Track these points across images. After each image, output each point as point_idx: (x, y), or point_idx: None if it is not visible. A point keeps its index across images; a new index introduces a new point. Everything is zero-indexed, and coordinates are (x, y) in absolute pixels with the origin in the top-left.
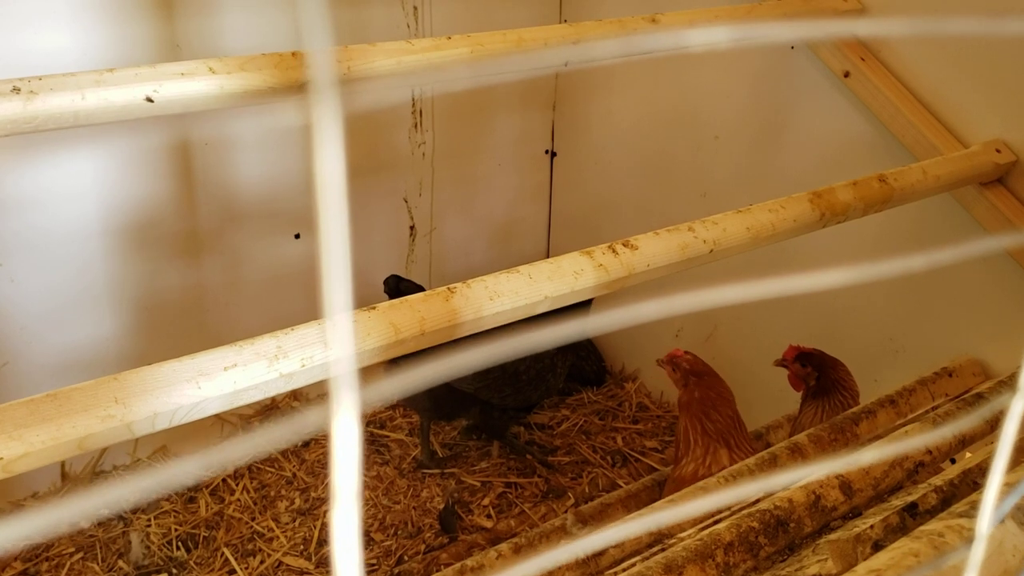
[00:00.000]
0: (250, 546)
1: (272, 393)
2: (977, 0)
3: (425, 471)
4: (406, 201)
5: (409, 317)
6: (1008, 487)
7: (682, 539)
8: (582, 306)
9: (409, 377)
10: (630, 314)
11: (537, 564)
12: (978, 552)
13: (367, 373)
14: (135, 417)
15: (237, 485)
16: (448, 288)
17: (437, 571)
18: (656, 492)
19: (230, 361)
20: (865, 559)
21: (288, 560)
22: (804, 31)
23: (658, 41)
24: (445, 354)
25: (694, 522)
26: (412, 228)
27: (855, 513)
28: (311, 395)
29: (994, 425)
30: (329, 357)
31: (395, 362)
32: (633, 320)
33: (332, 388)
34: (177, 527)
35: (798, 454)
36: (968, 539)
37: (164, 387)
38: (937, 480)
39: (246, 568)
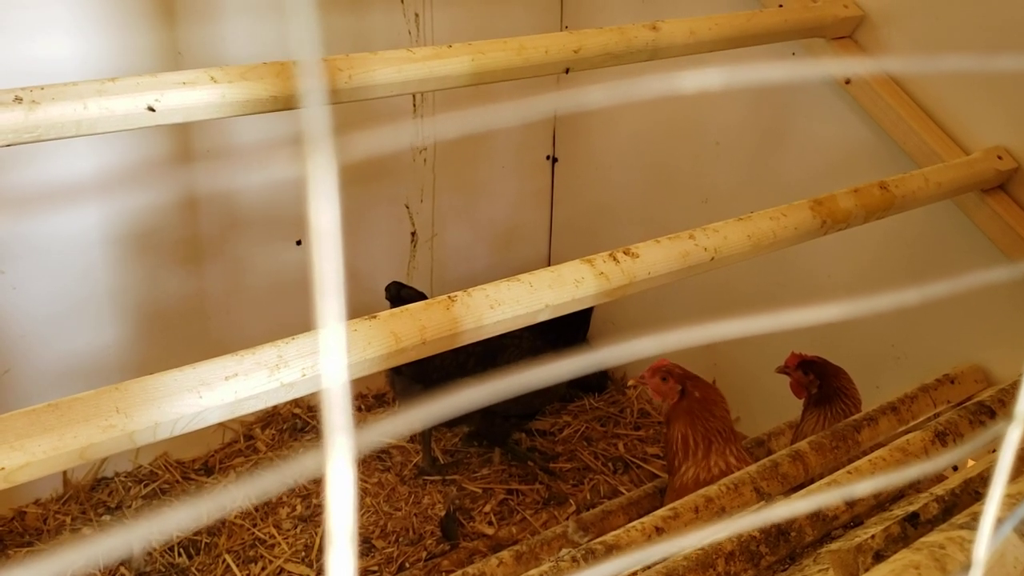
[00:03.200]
0: (251, 552)
1: (273, 403)
2: (976, 6)
3: (426, 478)
4: (407, 207)
5: (410, 326)
6: (1010, 499)
7: (683, 548)
8: (582, 314)
9: (418, 413)
10: (633, 349)
11: None
12: None
13: (370, 380)
14: (136, 427)
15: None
16: (449, 297)
17: None
18: (658, 499)
19: (231, 371)
20: (866, 569)
21: (289, 567)
22: (802, 70)
23: (653, 84)
24: (452, 390)
25: (695, 531)
26: (413, 234)
27: (856, 522)
28: (313, 403)
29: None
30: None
31: (397, 370)
32: (637, 355)
33: (325, 430)
34: (179, 533)
35: (799, 461)
36: (968, 552)
37: (165, 397)
38: (939, 489)
39: (247, 575)
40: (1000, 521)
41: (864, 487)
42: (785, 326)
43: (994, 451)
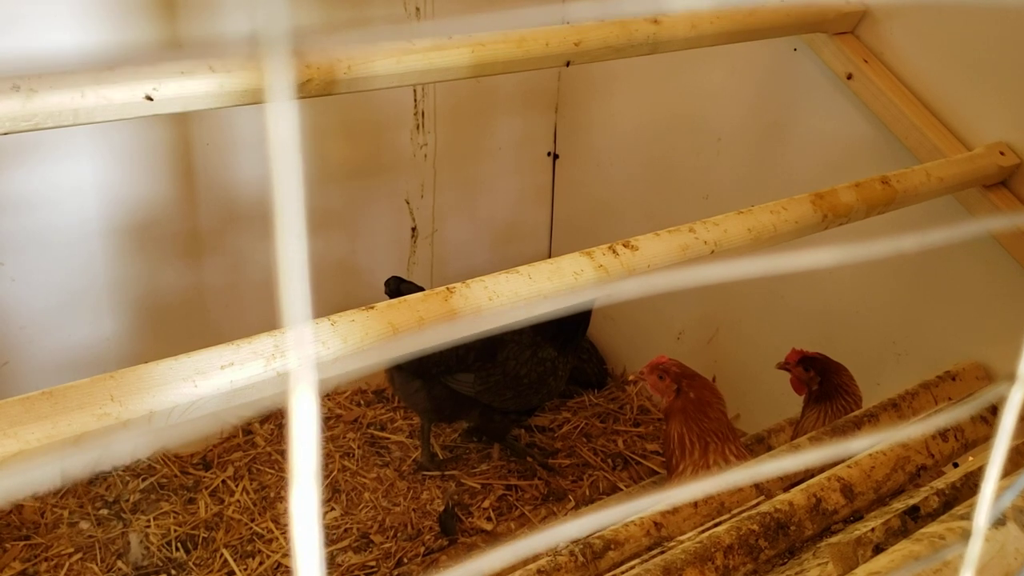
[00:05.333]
0: (249, 547)
1: (269, 393)
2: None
3: (425, 473)
4: (408, 203)
5: (408, 316)
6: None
7: (682, 542)
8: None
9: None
10: (636, 286)
11: (533, 544)
12: (975, 548)
13: (370, 376)
14: (131, 415)
15: (237, 486)
16: (447, 288)
17: (437, 574)
18: None
19: (227, 360)
20: (866, 562)
21: (287, 562)
22: None
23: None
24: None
25: (694, 525)
26: (414, 230)
27: (856, 516)
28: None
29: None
30: (316, 357)
31: (397, 364)
32: (641, 291)
33: (292, 378)
34: (176, 528)
35: None
36: (968, 538)
37: (160, 385)
38: (939, 483)
39: (245, 570)
40: (1002, 490)
41: (861, 443)
42: (778, 270)
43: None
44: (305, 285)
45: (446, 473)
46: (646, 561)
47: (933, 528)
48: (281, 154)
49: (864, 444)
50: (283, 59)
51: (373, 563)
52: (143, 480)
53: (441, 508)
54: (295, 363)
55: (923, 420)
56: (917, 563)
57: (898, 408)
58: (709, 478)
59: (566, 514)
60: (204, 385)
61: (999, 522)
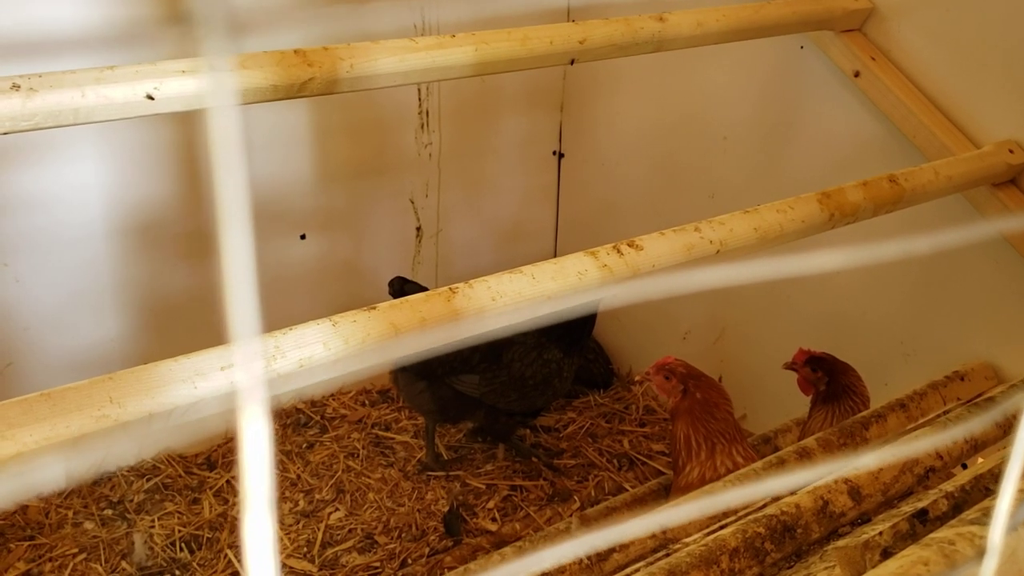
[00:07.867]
0: None
1: (270, 394)
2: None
3: (430, 473)
4: (412, 202)
5: (410, 317)
6: (1022, 494)
7: (687, 544)
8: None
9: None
10: (643, 288)
11: (541, 560)
12: (991, 564)
13: (374, 376)
14: (130, 417)
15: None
16: (450, 288)
17: (441, 574)
18: (663, 496)
19: (227, 361)
20: (874, 567)
21: (291, 563)
22: None
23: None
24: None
25: (699, 527)
26: (418, 229)
27: (864, 519)
28: (315, 396)
29: (1007, 430)
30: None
31: (401, 366)
32: (646, 294)
33: (240, 400)
34: (181, 528)
35: (806, 458)
36: (979, 547)
37: (160, 387)
38: (948, 486)
39: None
40: (1020, 498)
41: (873, 469)
42: (786, 274)
43: (1004, 450)
44: (253, 297)
45: (451, 473)
46: (651, 564)
47: (943, 533)
48: (225, 160)
49: (874, 456)
50: (222, 56)
51: (377, 564)
52: (147, 480)
53: (446, 508)
54: (243, 381)
55: (936, 433)
56: (929, 574)
57: (906, 408)
58: (717, 486)
59: (571, 515)
60: (204, 387)
61: (1011, 527)
